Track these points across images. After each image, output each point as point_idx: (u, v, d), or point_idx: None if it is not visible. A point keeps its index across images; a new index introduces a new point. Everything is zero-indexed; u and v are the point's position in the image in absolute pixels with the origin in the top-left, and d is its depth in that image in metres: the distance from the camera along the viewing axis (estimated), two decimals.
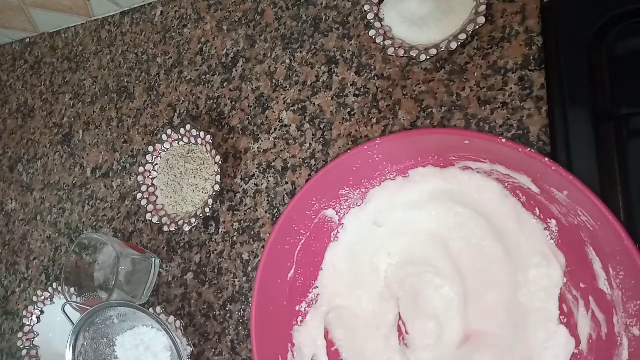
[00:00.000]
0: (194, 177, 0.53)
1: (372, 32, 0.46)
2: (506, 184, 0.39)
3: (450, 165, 0.40)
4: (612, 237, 0.33)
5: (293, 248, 0.43)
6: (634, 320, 0.33)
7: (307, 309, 0.44)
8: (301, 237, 0.43)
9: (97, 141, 0.61)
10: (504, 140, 0.36)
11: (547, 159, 0.35)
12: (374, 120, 0.46)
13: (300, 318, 0.43)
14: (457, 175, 0.40)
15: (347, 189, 0.43)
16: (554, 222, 0.37)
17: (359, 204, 0.44)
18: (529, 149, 0.35)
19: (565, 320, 0.37)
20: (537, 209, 0.38)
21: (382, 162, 0.41)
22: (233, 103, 0.53)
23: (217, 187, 0.48)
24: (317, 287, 0.44)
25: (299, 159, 0.49)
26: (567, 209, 0.36)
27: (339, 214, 0.44)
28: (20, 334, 0.56)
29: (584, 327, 0.36)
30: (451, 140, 0.38)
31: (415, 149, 0.40)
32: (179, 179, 0.53)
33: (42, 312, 0.56)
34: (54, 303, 0.56)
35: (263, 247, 0.48)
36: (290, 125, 0.50)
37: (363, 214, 0.44)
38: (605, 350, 0.35)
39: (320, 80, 0.49)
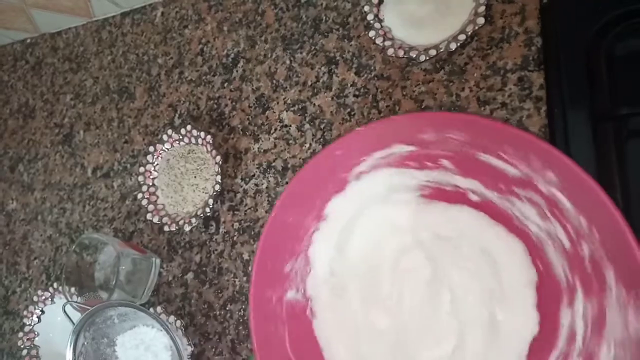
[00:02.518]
0: (195, 177, 0.53)
1: (371, 33, 0.46)
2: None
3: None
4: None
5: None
6: None
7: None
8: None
9: (98, 141, 0.62)
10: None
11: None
12: (374, 121, 0.46)
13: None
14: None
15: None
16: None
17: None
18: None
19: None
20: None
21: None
22: (233, 103, 0.54)
23: (217, 187, 0.48)
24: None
25: (299, 159, 0.49)
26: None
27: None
28: (20, 334, 0.56)
29: None
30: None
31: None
32: (180, 179, 0.53)
33: (42, 311, 0.57)
34: (54, 303, 0.56)
35: None
36: (291, 126, 0.50)
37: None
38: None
39: (320, 81, 0.50)
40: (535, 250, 0.37)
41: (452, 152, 0.37)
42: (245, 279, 0.49)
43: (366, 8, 0.47)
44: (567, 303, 0.35)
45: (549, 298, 0.36)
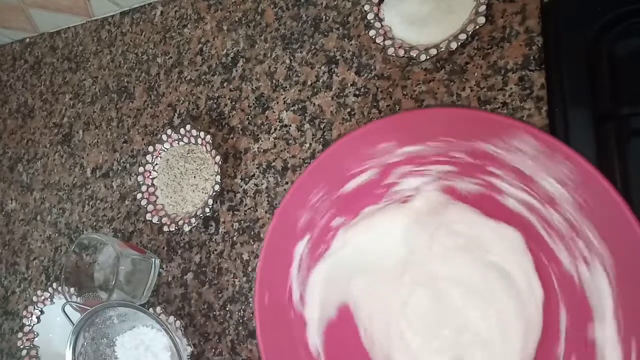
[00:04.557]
0: (194, 177, 0.53)
1: (372, 32, 0.46)
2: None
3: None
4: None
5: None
6: None
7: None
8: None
9: (97, 141, 0.61)
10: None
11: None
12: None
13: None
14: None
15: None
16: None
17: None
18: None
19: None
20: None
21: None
22: (233, 103, 0.53)
23: (217, 187, 0.48)
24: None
25: (299, 159, 0.49)
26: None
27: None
28: (20, 334, 0.56)
29: None
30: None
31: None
32: (179, 179, 0.53)
33: (42, 312, 0.56)
34: (53, 303, 0.56)
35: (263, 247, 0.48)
36: (290, 125, 0.50)
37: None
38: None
39: (320, 80, 0.49)
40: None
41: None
42: (245, 279, 0.48)
43: (366, 7, 0.46)
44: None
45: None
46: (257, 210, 0.49)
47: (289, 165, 0.49)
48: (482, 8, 0.42)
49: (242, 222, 0.50)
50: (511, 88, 0.41)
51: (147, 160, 0.54)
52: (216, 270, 0.50)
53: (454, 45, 0.42)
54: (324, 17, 0.51)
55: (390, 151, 0.39)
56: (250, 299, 0.48)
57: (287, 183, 0.49)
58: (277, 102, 0.51)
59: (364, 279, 0.41)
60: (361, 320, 0.41)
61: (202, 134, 0.51)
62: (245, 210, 0.50)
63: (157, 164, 0.54)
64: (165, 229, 0.51)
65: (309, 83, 0.50)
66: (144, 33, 0.62)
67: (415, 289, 0.40)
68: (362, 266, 0.42)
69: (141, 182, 0.54)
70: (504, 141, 0.35)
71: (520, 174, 0.37)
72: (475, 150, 0.37)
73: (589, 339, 0.34)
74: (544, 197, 0.36)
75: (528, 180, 0.36)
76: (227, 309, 0.48)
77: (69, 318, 0.47)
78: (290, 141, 0.50)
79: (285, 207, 0.39)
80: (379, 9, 0.47)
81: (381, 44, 0.45)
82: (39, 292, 0.56)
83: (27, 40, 0.72)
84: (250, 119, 0.52)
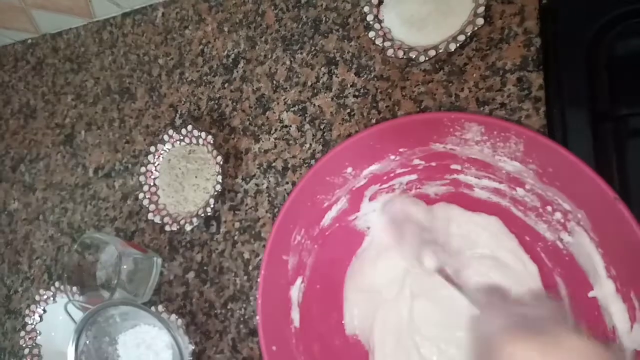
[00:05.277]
0: (196, 177, 0.53)
1: (371, 34, 0.46)
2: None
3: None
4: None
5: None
6: None
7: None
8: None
9: (99, 141, 0.62)
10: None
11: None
12: (374, 121, 0.46)
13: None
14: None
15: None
16: None
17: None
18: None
19: None
20: None
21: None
22: (234, 104, 0.54)
23: (218, 187, 0.49)
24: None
25: (299, 159, 0.49)
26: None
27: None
28: (22, 333, 0.56)
29: None
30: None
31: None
32: (181, 179, 0.54)
33: (44, 311, 0.57)
34: (56, 302, 0.57)
35: (264, 246, 0.49)
36: (291, 126, 0.50)
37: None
38: None
39: (320, 81, 0.50)
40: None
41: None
42: (245, 278, 0.49)
43: (366, 9, 0.47)
44: None
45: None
46: (257, 210, 0.50)
47: (289, 166, 0.49)
48: (481, 9, 0.42)
49: (243, 221, 0.50)
50: (509, 89, 0.42)
51: (148, 161, 0.54)
52: (217, 269, 0.50)
53: (452, 47, 0.42)
54: (324, 18, 0.51)
55: (356, 175, 0.41)
56: (251, 298, 0.48)
57: (287, 183, 0.49)
58: (278, 103, 0.51)
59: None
60: (374, 348, 0.41)
61: (203, 134, 0.51)
62: (246, 210, 0.50)
63: (158, 164, 0.55)
64: (167, 228, 0.51)
65: (309, 84, 0.50)
66: (145, 34, 0.62)
67: (416, 300, 0.40)
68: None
69: (143, 182, 0.54)
70: (455, 136, 0.37)
71: (480, 163, 0.38)
72: (432, 153, 0.39)
73: (592, 302, 0.34)
74: (507, 179, 0.38)
75: (488, 167, 0.38)
76: (228, 307, 0.49)
77: (71, 317, 0.47)
78: (290, 141, 0.50)
79: (270, 253, 0.40)
80: (378, 11, 0.47)
81: (380, 45, 0.45)
82: (41, 291, 0.57)
83: (29, 41, 0.72)
84: (251, 119, 0.52)
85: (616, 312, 0.33)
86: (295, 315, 0.41)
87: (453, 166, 0.39)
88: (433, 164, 0.40)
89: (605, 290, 0.34)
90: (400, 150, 0.39)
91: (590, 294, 0.35)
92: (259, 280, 0.39)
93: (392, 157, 0.40)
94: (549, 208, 0.37)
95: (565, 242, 0.36)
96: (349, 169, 0.40)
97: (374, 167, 0.41)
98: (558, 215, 0.36)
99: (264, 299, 0.39)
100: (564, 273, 0.37)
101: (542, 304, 0.35)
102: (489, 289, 0.37)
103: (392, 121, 0.39)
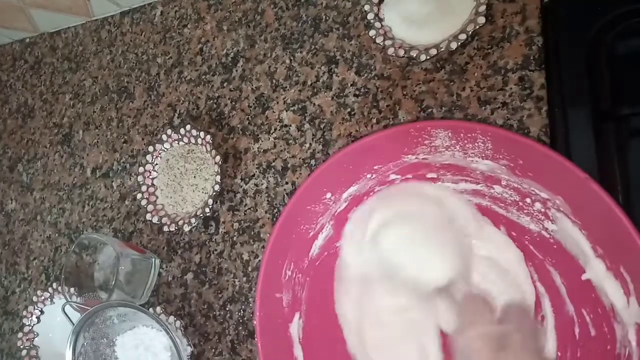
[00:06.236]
0: (194, 177, 0.53)
1: (372, 32, 0.46)
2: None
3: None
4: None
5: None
6: None
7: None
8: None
9: (97, 141, 0.61)
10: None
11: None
12: (374, 120, 0.46)
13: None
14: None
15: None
16: None
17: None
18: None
19: None
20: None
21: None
22: (233, 103, 0.53)
23: (217, 187, 0.48)
24: None
25: (299, 159, 0.49)
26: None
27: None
28: (20, 334, 0.56)
29: None
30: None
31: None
32: (179, 179, 0.53)
33: (42, 312, 0.56)
34: (53, 303, 0.56)
35: (263, 247, 0.48)
36: (290, 125, 0.50)
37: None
38: None
39: (320, 80, 0.49)
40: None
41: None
42: (245, 279, 0.48)
43: (366, 7, 0.46)
44: None
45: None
46: (257, 210, 0.49)
47: (289, 165, 0.49)
48: (482, 8, 0.42)
49: (242, 222, 0.50)
50: (511, 88, 0.41)
51: (147, 160, 0.54)
52: (216, 270, 0.50)
53: (454, 45, 0.42)
54: (324, 17, 0.51)
55: (336, 200, 0.41)
56: (250, 299, 0.48)
57: (287, 183, 0.49)
58: (277, 102, 0.51)
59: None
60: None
61: (202, 134, 0.51)
62: (245, 210, 0.50)
63: (157, 164, 0.54)
64: (165, 229, 0.51)
65: (309, 83, 0.50)
66: (144, 33, 0.62)
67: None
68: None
69: (141, 182, 0.54)
70: (425, 145, 0.37)
71: (455, 168, 0.39)
72: (406, 166, 0.40)
73: (587, 285, 0.35)
74: (483, 178, 0.38)
75: (463, 170, 0.39)
76: (227, 309, 0.48)
77: (69, 318, 0.47)
78: (290, 141, 0.50)
79: (262, 292, 0.39)
80: (379, 9, 0.47)
81: (381, 44, 0.45)
82: (39, 292, 0.56)
83: (27, 40, 0.72)
84: (250, 119, 0.52)
85: (610, 289, 0.34)
86: (298, 352, 0.41)
87: (429, 175, 0.40)
88: (409, 176, 0.40)
89: (596, 270, 0.34)
90: (375, 167, 0.40)
91: (584, 277, 0.35)
92: (254, 322, 0.39)
93: (369, 175, 0.41)
94: (528, 200, 0.37)
95: (551, 230, 0.37)
96: (328, 194, 0.41)
97: (352, 189, 0.41)
98: (538, 205, 0.37)
99: (263, 341, 0.39)
100: (555, 262, 0.37)
101: (519, 320, 0.35)
102: (475, 296, 0.38)
103: (359, 141, 0.40)
